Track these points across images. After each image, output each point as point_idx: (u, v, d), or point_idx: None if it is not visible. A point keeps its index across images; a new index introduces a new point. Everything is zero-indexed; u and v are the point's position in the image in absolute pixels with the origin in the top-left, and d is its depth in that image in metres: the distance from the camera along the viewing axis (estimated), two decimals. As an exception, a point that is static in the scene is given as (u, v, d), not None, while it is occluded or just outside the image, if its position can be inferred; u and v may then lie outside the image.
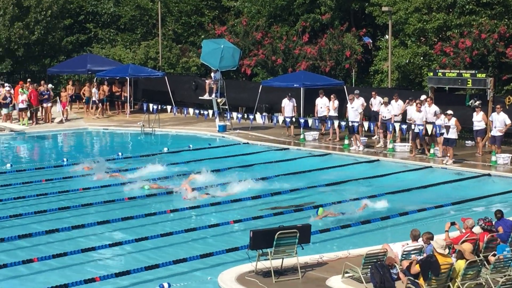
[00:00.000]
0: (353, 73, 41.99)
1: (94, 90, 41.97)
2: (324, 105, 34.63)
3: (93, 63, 44.98)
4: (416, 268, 14.59)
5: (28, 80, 42.21)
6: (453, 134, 28.73)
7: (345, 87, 37.22)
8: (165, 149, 32.68)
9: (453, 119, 28.71)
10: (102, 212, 21.91)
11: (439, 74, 32.40)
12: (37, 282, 16.08)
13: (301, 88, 36.62)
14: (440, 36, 38.79)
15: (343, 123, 33.06)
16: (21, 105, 38.83)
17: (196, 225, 20.23)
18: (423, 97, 31.73)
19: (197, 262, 17.17)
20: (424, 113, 30.28)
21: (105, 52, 50.02)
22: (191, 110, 37.66)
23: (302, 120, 34.04)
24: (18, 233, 19.42)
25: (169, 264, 16.82)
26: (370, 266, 14.96)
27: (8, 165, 29.09)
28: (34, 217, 21.45)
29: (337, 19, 44.68)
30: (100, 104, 42.20)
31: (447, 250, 14.94)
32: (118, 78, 43.71)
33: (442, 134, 29.19)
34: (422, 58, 38.83)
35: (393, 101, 32.43)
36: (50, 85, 42.03)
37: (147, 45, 49.22)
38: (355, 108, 32.20)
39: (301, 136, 34.22)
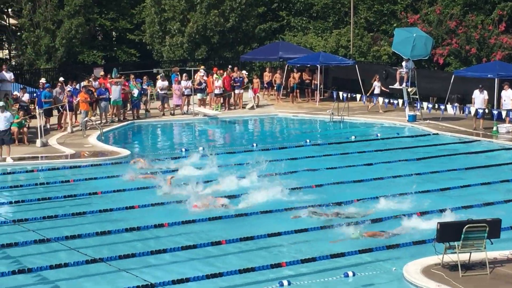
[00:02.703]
0: (552, 64, 40.38)
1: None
2: (508, 98, 33.40)
3: (284, 50, 45.62)
4: None
5: (230, 66, 43.22)
6: None
7: (543, 78, 35.75)
8: (353, 137, 32.78)
9: None
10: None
11: None
12: (224, 263, 16.56)
13: (495, 79, 35.50)
14: None
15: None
16: (216, 91, 39.99)
17: (382, 216, 20.09)
18: None
19: (383, 253, 17.09)
20: None
21: (297, 39, 50.61)
22: (380, 99, 37.40)
23: (495, 112, 33.00)
24: (208, 216, 20.09)
25: (355, 253, 16.90)
26: None
27: (200, 148, 30.04)
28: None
29: (536, 7, 43.17)
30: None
31: None
32: (308, 65, 44.13)
33: None
34: None
35: None
36: (244, 72, 42.91)
37: (338, 33, 49.42)
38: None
39: (494, 129, 33.22)
